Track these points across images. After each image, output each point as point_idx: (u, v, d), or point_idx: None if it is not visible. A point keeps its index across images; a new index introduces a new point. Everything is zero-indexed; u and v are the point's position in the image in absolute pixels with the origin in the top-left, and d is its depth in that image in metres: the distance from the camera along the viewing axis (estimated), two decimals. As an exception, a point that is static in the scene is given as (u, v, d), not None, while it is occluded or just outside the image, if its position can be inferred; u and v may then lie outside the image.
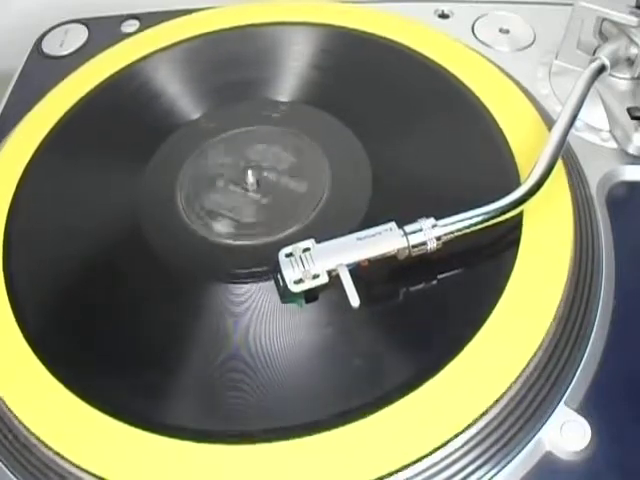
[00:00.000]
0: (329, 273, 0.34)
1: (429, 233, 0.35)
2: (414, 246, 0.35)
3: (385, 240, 0.35)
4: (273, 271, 0.35)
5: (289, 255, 0.34)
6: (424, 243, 0.35)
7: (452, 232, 0.35)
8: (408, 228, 0.35)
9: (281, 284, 0.34)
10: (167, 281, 0.38)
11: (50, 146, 0.45)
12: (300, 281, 0.34)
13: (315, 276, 0.34)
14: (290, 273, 0.34)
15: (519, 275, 0.35)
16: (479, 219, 0.35)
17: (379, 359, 0.34)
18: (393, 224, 0.35)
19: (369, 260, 0.35)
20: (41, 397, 0.34)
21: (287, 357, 0.35)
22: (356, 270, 0.34)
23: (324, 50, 0.49)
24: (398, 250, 0.35)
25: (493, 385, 0.32)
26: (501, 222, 0.36)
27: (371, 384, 0.33)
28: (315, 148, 0.43)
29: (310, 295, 0.35)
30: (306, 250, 0.34)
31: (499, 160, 0.40)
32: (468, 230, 0.35)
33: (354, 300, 0.33)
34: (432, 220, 0.35)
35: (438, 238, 0.35)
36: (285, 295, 0.35)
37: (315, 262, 0.34)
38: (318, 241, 0.35)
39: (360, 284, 0.34)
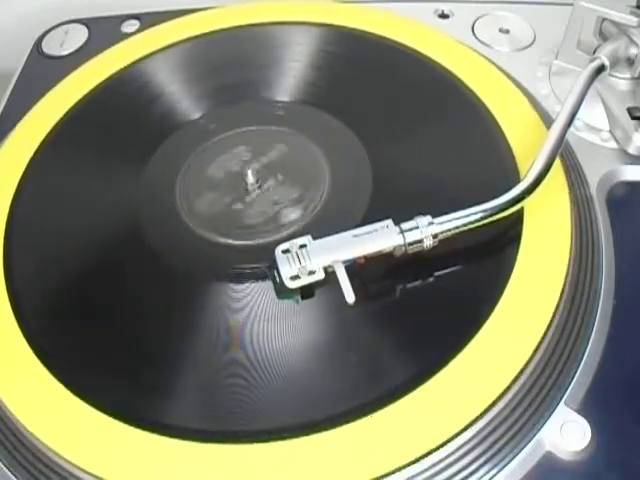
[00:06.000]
0: (325, 270, 0.34)
1: (425, 231, 0.35)
2: (410, 244, 0.35)
3: (381, 237, 0.35)
4: (270, 267, 0.35)
5: (286, 251, 0.35)
6: (420, 241, 0.35)
7: (449, 230, 0.35)
8: (404, 225, 0.35)
9: (277, 280, 0.34)
10: (167, 281, 0.38)
11: (50, 146, 0.45)
12: (296, 277, 0.34)
13: (311, 272, 0.34)
14: (286, 269, 0.34)
15: (519, 275, 0.35)
16: (476, 217, 0.35)
17: (377, 358, 0.34)
18: (390, 221, 0.35)
19: (365, 257, 0.35)
20: (41, 397, 0.34)
21: (287, 356, 0.35)
22: (353, 267, 0.34)
23: (324, 50, 0.49)
24: (394, 247, 0.35)
25: (493, 385, 0.32)
26: (500, 221, 0.36)
27: (370, 384, 0.33)
28: (315, 148, 0.43)
29: (306, 291, 0.35)
30: (303, 246, 0.35)
31: (499, 160, 0.40)
32: (465, 228, 0.35)
33: (349, 297, 0.33)
34: (429, 218, 0.35)
35: (435, 236, 0.35)
36: (281, 291, 0.35)
37: (311, 258, 0.34)
38: (315, 238, 0.35)
39: (357, 281, 0.34)
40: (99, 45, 0.52)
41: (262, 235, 0.39)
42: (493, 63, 0.47)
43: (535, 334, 0.33)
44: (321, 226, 0.39)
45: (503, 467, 0.32)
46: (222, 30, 0.51)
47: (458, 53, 0.47)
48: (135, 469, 0.32)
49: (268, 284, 0.36)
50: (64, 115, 0.47)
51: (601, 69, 0.41)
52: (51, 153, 0.45)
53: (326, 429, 0.31)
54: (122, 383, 0.35)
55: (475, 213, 0.35)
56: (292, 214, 0.40)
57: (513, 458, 0.32)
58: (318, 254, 0.34)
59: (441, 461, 0.31)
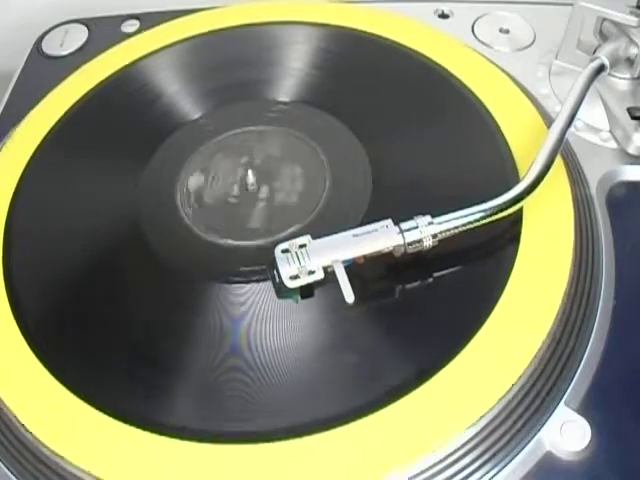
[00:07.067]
0: (325, 269, 0.34)
1: (425, 231, 0.35)
2: (410, 243, 0.35)
3: (381, 237, 0.35)
4: (269, 267, 0.35)
5: (285, 251, 0.35)
6: (420, 241, 0.35)
7: (448, 230, 0.35)
8: (404, 225, 0.35)
9: (277, 280, 0.34)
10: (166, 281, 0.38)
11: (50, 146, 0.45)
12: (296, 277, 0.34)
13: (311, 272, 0.34)
14: (286, 269, 0.34)
15: (519, 275, 0.35)
16: (475, 217, 0.35)
17: (377, 358, 0.34)
18: (389, 221, 0.35)
19: (365, 257, 0.35)
20: (41, 397, 0.34)
21: (287, 356, 0.35)
22: (352, 267, 0.34)
23: (324, 50, 0.49)
24: (394, 247, 0.35)
25: (493, 385, 0.32)
26: (500, 221, 0.36)
27: (371, 384, 0.33)
28: (315, 148, 0.43)
29: (306, 291, 0.35)
30: (302, 246, 0.35)
31: (499, 159, 0.40)
32: (464, 228, 0.35)
33: (349, 296, 0.33)
34: (428, 217, 0.35)
35: (434, 236, 0.35)
36: (281, 291, 0.35)
37: (311, 258, 0.34)
38: (315, 238, 0.35)
39: (356, 281, 0.34)
40: (99, 45, 0.52)
41: (262, 235, 0.39)
42: (493, 63, 0.47)
43: (535, 334, 0.33)
44: (321, 226, 0.39)
45: (503, 467, 0.32)
46: (222, 30, 0.51)
47: (458, 53, 0.47)
48: (135, 469, 0.32)
49: (268, 284, 0.36)
50: (64, 115, 0.47)
51: (601, 69, 0.41)
52: (51, 153, 0.45)
53: (326, 429, 0.31)
54: (122, 383, 0.35)
55: (475, 213, 0.35)
56: (292, 214, 0.40)
57: (513, 458, 0.32)
58: (318, 254, 0.34)
59: (441, 461, 0.31)
